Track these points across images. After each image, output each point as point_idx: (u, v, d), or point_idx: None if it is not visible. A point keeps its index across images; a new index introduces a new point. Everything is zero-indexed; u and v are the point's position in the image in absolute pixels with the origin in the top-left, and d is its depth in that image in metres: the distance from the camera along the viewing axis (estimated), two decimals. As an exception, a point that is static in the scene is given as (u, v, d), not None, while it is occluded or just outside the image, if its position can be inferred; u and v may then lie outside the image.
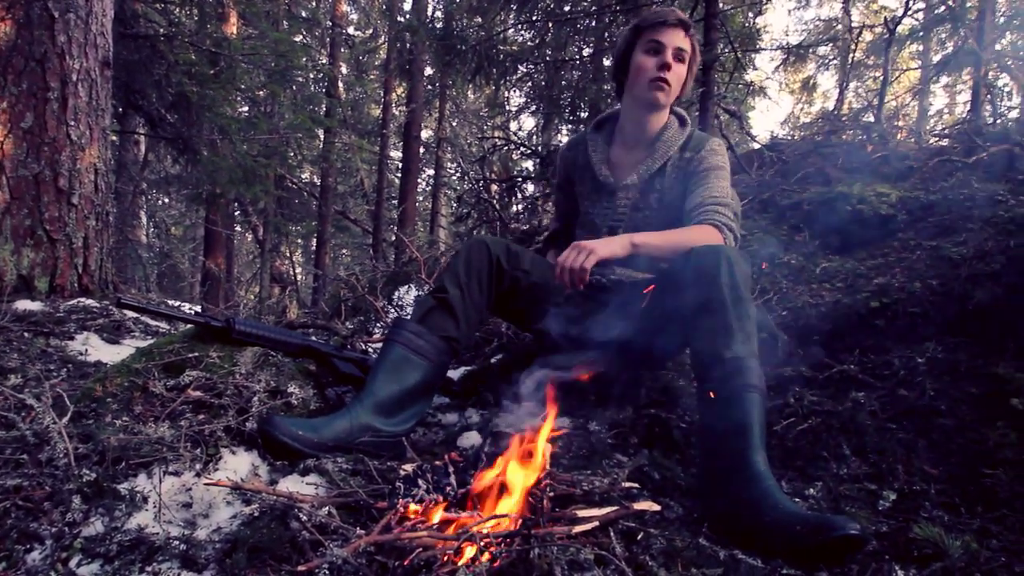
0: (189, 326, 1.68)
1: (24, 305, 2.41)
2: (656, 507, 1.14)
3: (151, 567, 0.97)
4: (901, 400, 1.57)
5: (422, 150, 12.43)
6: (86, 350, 2.09)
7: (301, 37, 9.58)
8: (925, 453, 1.40)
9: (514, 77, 6.39)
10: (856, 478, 1.36)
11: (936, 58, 10.39)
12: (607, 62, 6.30)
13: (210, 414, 1.42)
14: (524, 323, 1.95)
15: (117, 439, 1.24)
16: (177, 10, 6.33)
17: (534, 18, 5.93)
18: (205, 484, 1.17)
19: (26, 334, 2.11)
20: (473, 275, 1.66)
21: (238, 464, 1.29)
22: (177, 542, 1.02)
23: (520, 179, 5.75)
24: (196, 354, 1.57)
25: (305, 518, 1.04)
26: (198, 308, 3.37)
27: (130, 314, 2.54)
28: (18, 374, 1.72)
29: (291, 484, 1.22)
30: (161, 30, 5.27)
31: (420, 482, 1.12)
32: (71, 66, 2.73)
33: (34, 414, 1.32)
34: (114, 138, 7.60)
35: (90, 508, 1.09)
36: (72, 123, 2.73)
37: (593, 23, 5.79)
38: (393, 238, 9.95)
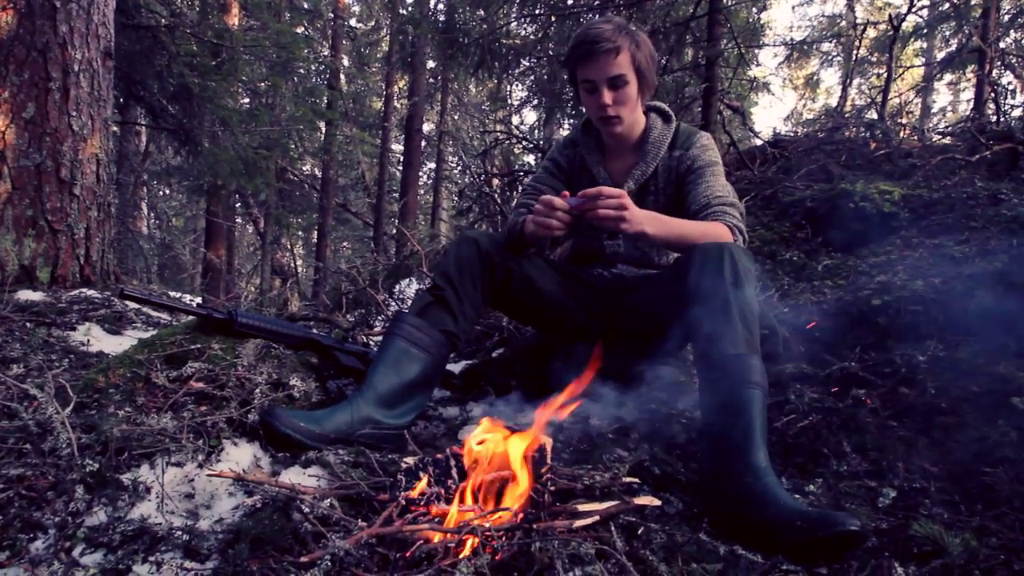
0: (191, 318, 1.68)
1: (26, 295, 2.41)
2: (657, 502, 1.14)
3: (153, 557, 0.97)
4: (902, 398, 1.57)
5: (424, 143, 12.42)
6: (88, 341, 2.09)
7: (303, 29, 9.54)
8: (925, 451, 1.40)
9: (516, 71, 6.38)
10: (856, 475, 1.36)
11: (940, 55, 10.35)
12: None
13: (212, 406, 1.42)
14: (522, 316, 1.95)
15: (120, 430, 1.25)
16: (179, 0, 6.30)
17: (537, 11, 5.91)
18: (207, 475, 1.17)
19: (28, 324, 2.11)
20: (465, 272, 1.64)
21: (240, 456, 1.29)
22: (179, 532, 1.03)
23: (522, 173, 5.73)
24: (198, 346, 1.57)
25: (307, 510, 1.05)
26: (199, 299, 3.37)
27: (132, 305, 2.54)
28: (20, 364, 1.72)
29: (293, 476, 1.23)
30: (163, 21, 5.24)
31: (421, 475, 1.12)
32: (73, 56, 2.72)
33: (37, 404, 1.32)
34: (115, 129, 7.59)
35: (93, 498, 1.10)
36: (74, 113, 2.72)
37: (596, 17, 5.77)
38: (394, 231, 9.95)
